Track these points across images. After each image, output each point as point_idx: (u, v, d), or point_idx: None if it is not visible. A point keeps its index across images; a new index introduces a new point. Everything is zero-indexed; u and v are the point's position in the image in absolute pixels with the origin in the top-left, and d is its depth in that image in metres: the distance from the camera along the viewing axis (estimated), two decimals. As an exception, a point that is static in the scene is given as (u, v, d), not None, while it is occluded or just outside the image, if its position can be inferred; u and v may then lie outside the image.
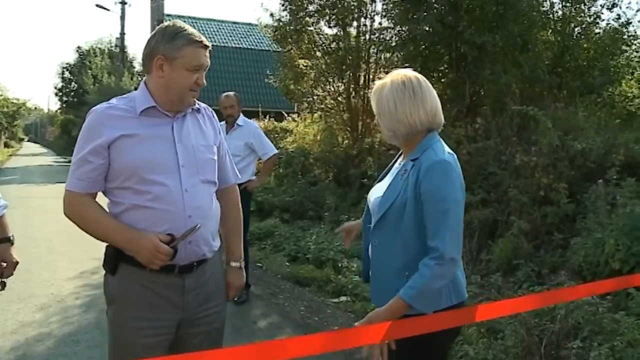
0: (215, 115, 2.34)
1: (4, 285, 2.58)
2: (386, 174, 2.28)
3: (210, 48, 2.14)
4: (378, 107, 2.17)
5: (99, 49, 35.90)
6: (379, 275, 2.15)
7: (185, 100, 2.10)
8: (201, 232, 2.05)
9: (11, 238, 2.55)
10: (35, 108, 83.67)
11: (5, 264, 2.52)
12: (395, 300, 1.96)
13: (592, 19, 8.76)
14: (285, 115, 13.52)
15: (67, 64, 39.48)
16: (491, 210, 5.78)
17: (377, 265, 2.16)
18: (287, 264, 6.54)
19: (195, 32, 2.10)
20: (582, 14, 8.73)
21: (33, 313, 4.76)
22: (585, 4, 8.67)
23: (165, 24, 2.13)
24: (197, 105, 2.21)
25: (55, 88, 39.79)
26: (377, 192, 2.22)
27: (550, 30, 8.82)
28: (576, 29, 8.78)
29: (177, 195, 2.02)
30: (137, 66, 32.35)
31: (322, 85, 10.72)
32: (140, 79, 23.92)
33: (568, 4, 8.68)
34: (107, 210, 2.08)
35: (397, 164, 2.26)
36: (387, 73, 2.23)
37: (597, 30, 8.86)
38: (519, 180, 5.82)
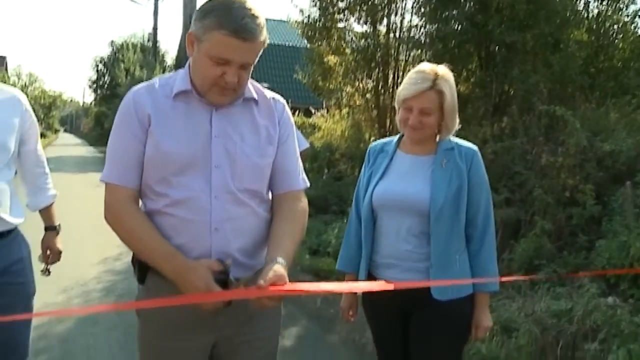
0: (287, 108, 1.88)
1: (49, 272, 2.67)
2: (386, 169, 2.27)
3: (257, 42, 1.62)
4: (452, 98, 2.17)
5: (132, 43, 36.45)
6: (442, 265, 2.14)
7: (208, 95, 1.69)
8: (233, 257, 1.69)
9: (57, 227, 2.65)
10: (71, 100, 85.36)
11: (49, 252, 2.63)
12: (485, 296, 2.22)
13: (629, 17, 8.54)
14: (314, 111, 13.53)
15: (101, 57, 40.23)
16: (515, 209, 5.70)
17: (439, 256, 2.14)
18: (308, 256, 6.53)
19: (241, 14, 1.58)
20: (619, 13, 8.52)
21: (56, 295, 4.92)
22: (623, 2, 8.45)
23: None
24: (252, 94, 1.78)
25: (90, 81, 40.64)
26: (396, 186, 2.20)
27: (584, 29, 8.63)
28: (612, 28, 8.57)
29: (203, 202, 1.66)
30: (169, 60, 32.77)
31: (351, 82, 10.69)
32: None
33: (604, 3, 8.49)
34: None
35: (406, 159, 2.26)
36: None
37: (634, 29, 8.64)
38: (544, 181, 5.71)
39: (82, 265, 5.95)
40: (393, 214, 2.19)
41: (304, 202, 1.87)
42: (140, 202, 1.76)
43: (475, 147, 2.23)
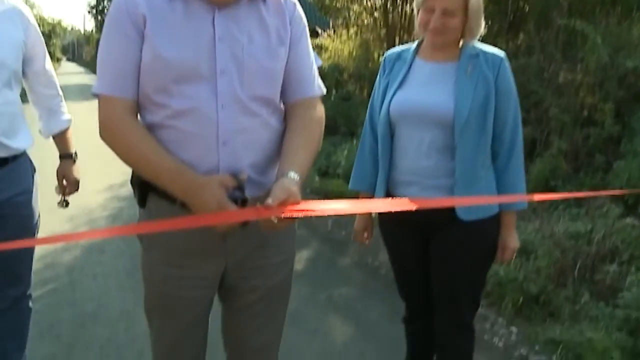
0: (298, 7, 1.66)
1: (67, 203, 2.47)
2: (404, 78, 2.07)
3: None
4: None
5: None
6: (467, 182, 1.98)
7: None
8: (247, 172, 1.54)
9: (73, 155, 2.44)
10: (72, 28, 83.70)
11: (66, 182, 2.43)
12: (512, 215, 2.07)
13: None
14: (320, 32, 13.12)
15: (100, -19, 39.09)
16: (530, 129, 5.52)
17: (464, 172, 1.97)
18: (317, 178, 6.43)
19: None
20: None
21: (62, 223, 4.85)
22: None
23: None
24: None
25: (89, 6, 39.68)
26: (416, 96, 2.02)
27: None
28: None
29: (208, 113, 1.46)
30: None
31: (358, 0, 10.30)
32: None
33: None
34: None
35: (426, 67, 2.06)
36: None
37: None
38: (561, 100, 5.49)
39: (87, 193, 5.86)
40: (413, 126, 2.01)
41: (320, 110, 1.66)
42: (138, 116, 1.57)
43: (502, 54, 2.01)
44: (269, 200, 1.34)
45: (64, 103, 2.45)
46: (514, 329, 3.27)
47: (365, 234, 2.34)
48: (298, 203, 1.37)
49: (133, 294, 3.57)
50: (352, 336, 3.23)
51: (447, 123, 1.95)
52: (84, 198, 5.64)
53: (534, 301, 3.42)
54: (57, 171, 2.43)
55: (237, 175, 1.46)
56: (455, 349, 2.21)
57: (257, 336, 1.73)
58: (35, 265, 3.96)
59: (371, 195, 2.20)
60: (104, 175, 6.60)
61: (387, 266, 4.11)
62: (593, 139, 5.14)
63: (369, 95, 8.84)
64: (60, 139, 2.43)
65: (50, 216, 3.64)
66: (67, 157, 2.43)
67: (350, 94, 9.43)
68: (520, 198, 2.04)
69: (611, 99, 5.23)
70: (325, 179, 6.44)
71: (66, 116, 2.44)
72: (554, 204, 4.53)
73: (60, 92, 2.43)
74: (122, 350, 3.02)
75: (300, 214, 1.35)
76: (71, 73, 35.70)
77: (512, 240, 2.08)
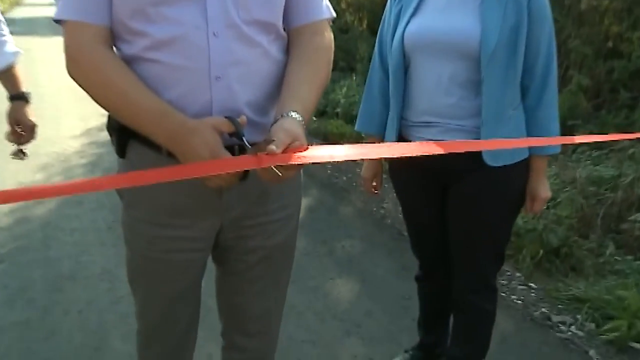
0: None
1: (24, 154, 2.13)
2: (420, 3, 1.81)
3: None
4: None
5: None
6: (494, 122, 1.75)
7: None
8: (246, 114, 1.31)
9: (26, 95, 2.07)
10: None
11: (20, 129, 2.06)
12: (544, 160, 1.85)
13: None
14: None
15: None
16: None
17: (492, 111, 1.74)
18: (315, 118, 6.06)
19: None
20: None
21: (34, 173, 4.56)
22: None
23: None
24: None
25: None
26: (435, 23, 1.76)
27: None
28: None
29: (197, 41, 1.24)
30: None
31: None
32: None
33: None
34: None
35: None
36: None
37: None
38: (582, 29, 5.10)
39: (62, 139, 5.55)
40: (431, 58, 1.77)
41: (329, 37, 1.44)
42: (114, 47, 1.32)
43: None
44: (273, 147, 1.11)
45: (7, 33, 2.07)
46: (532, 284, 3.06)
47: (375, 183, 2.14)
48: (305, 148, 1.15)
49: (115, 251, 3.31)
50: (356, 294, 3.01)
51: (471, 53, 1.71)
52: (59, 144, 5.39)
53: (554, 254, 3.20)
54: (7, 115, 2.06)
55: (234, 118, 1.23)
56: (475, 311, 2.03)
57: (257, 302, 1.57)
58: (4, 220, 3.70)
59: (380, 139, 2.02)
60: (80, 119, 6.24)
61: (394, 215, 3.87)
62: (617, 73, 4.78)
63: (369, 26, 8.35)
64: (7, 76, 2.05)
65: (19, 165, 3.36)
66: (18, 97, 2.06)
67: (348, 26, 8.95)
68: (560, 140, 1.83)
69: (640, 27, 4.83)
70: (324, 119, 6.11)
71: (11, 48, 2.06)
72: (572, 145, 4.21)
73: (2, 18, 2.06)
74: (104, 315, 2.78)
75: (310, 161, 1.14)
76: (39, 4, 34.45)
77: (543, 188, 1.86)
